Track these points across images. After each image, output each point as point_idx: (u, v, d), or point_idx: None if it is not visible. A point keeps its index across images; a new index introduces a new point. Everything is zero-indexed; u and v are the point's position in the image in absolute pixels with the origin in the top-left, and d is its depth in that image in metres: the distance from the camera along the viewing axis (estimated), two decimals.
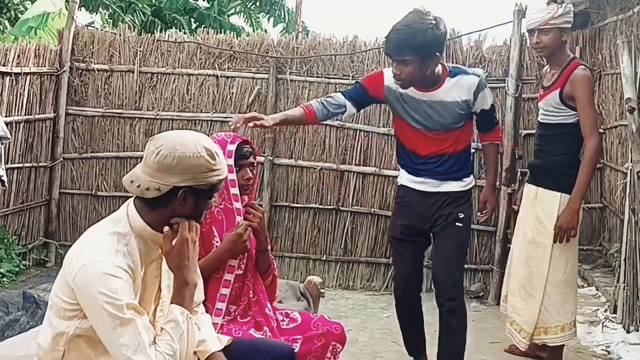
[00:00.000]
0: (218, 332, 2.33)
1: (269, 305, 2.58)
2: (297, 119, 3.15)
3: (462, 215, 3.12)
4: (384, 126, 5.71)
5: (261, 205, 5.81)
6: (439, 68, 3.01)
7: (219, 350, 2.04)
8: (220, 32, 8.12)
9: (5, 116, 5.25)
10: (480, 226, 5.52)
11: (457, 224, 3.10)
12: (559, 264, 3.39)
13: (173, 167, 1.77)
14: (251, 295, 2.56)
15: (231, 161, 2.44)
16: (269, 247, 2.67)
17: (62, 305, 1.77)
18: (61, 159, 6.03)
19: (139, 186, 1.79)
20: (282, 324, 2.54)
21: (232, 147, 2.46)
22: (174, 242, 1.87)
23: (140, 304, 1.82)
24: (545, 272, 3.39)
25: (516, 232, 3.71)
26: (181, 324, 1.83)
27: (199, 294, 2.10)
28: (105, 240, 1.79)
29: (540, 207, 3.43)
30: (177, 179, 1.78)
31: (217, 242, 2.47)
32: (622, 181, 4.93)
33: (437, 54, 2.91)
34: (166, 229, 1.85)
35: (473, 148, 5.55)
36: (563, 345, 3.57)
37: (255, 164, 2.57)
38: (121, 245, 1.79)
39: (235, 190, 2.47)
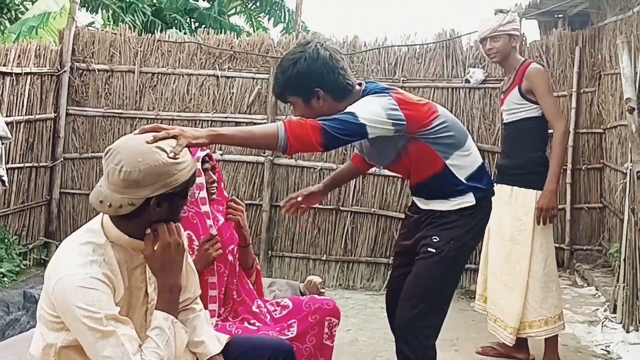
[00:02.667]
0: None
1: (257, 302, 2.60)
2: (346, 172, 2.94)
3: (437, 239, 2.47)
4: None
5: (261, 206, 5.87)
6: (355, 98, 2.39)
7: (219, 354, 2.02)
8: (221, 32, 8.12)
9: (6, 116, 5.25)
10: None
11: (429, 249, 2.48)
12: (539, 259, 3.52)
13: (141, 180, 1.71)
14: (235, 297, 2.56)
15: (199, 165, 2.46)
16: (250, 242, 2.70)
17: (48, 318, 1.76)
18: (62, 159, 6.04)
19: (110, 205, 1.73)
20: (275, 314, 2.56)
21: (202, 154, 2.49)
22: (156, 247, 1.82)
23: (128, 311, 1.81)
24: (526, 267, 3.50)
25: (490, 233, 3.72)
26: (166, 330, 1.80)
27: (195, 289, 2.08)
28: (78, 252, 1.75)
29: (516, 206, 3.55)
30: (149, 191, 1.73)
31: (197, 245, 2.47)
32: (621, 181, 4.93)
33: (316, 88, 2.33)
34: (148, 231, 1.82)
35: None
36: (557, 341, 3.61)
37: (214, 167, 2.59)
38: (97, 255, 1.74)
39: (203, 194, 2.49)
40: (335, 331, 2.57)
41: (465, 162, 2.47)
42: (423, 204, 2.56)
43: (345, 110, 2.27)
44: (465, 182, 2.46)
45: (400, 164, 2.51)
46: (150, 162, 1.71)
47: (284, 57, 2.42)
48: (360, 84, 2.47)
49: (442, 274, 2.48)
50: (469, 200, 2.47)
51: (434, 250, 2.46)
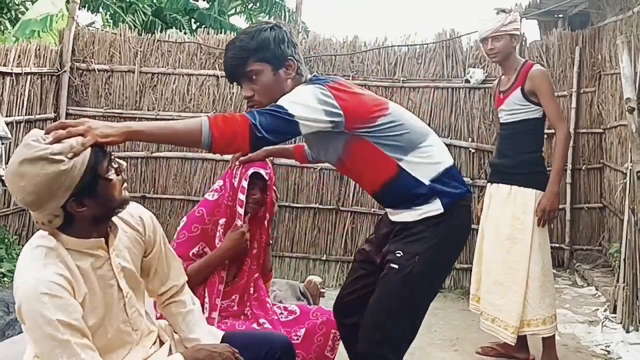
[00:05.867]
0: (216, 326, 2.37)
1: (268, 300, 2.63)
2: (288, 152, 2.79)
3: (400, 254, 2.20)
4: None
5: None
6: (299, 82, 2.21)
7: None
8: (221, 32, 8.12)
9: (6, 116, 5.26)
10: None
11: (392, 265, 2.21)
12: (538, 259, 3.52)
13: (37, 200, 1.61)
14: (251, 292, 2.61)
15: (245, 183, 2.51)
16: (271, 242, 2.80)
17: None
18: None
19: (43, 223, 1.67)
20: (281, 317, 2.58)
21: (252, 171, 2.55)
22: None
23: (106, 309, 1.78)
24: (525, 267, 3.50)
25: (486, 232, 3.74)
26: None
27: (179, 275, 2.05)
28: (31, 256, 1.70)
29: (515, 205, 3.55)
30: (55, 202, 1.62)
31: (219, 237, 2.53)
32: (621, 181, 4.93)
33: (290, 57, 2.16)
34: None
35: (473, 148, 5.64)
36: (554, 340, 3.61)
37: (267, 188, 2.61)
38: (51, 258, 1.68)
39: (240, 210, 2.51)
40: (337, 345, 2.59)
41: (424, 163, 2.20)
42: (392, 215, 2.31)
43: (274, 103, 2.02)
44: (428, 184, 2.18)
45: (343, 167, 2.26)
46: (32, 180, 1.58)
47: (247, 29, 2.19)
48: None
49: (406, 293, 2.19)
50: (435, 207, 2.18)
51: (396, 267, 2.19)
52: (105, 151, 1.72)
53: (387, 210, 2.34)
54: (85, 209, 1.68)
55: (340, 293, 2.52)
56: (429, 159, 2.20)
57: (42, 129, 5.51)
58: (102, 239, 1.78)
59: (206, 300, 2.48)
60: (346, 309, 2.42)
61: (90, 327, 1.72)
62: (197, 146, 1.89)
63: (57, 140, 1.60)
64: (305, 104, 2.00)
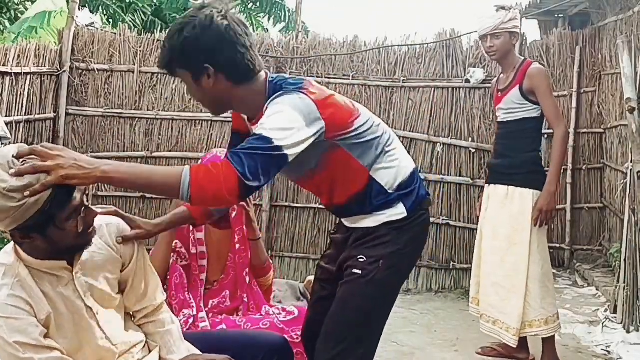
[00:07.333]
0: (201, 323, 2.38)
1: (265, 307, 2.63)
2: (184, 217, 2.20)
3: (364, 259, 2.04)
4: None
5: (261, 206, 5.86)
6: (259, 87, 1.95)
7: None
8: None
9: (6, 116, 5.25)
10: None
11: (354, 271, 2.05)
12: (537, 259, 3.50)
13: None
14: (246, 300, 2.61)
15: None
16: (260, 237, 2.70)
17: None
18: None
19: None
20: (279, 317, 2.57)
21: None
22: None
23: (77, 330, 1.74)
24: (525, 268, 3.47)
25: (484, 233, 3.72)
26: None
27: (156, 294, 1.97)
28: None
29: (512, 206, 3.53)
30: (3, 226, 1.57)
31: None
32: (622, 181, 4.93)
33: (205, 65, 1.84)
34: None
35: (473, 148, 5.63)
36: (554, 341, 3.60)
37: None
38: (8, 278, 1.64)
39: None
40: None
41: (392, 168, 2.05)
42: (351, 222, 2.14)
43: (256, 134, 1.77)
44: (394, 191, 2.04)
45: (316, 179, 2.05)
46: None
47: (175, 24, 1.92)
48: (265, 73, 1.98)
49: (370, 300, 2.03)
50: (398, 212, 2.04)
51: (359, 272, 2.02)
52: (73, 199, 1.61)
53: (344, 219, 2.19)
54: (31, 241, 1.63)
55: (307, 316, 2.35)
56: (396, 163, 2.06)
57: (42, 129, 5.41)
58: (64, 261, 1.72)
59: (192, 302, 2.47)
60: (316, 331, 2.18)
61: (66, 349, 1.69)
62: (177, 198, 1.74)
63: (20, 174, 1.52)
64: (290, 127, 1.79)
